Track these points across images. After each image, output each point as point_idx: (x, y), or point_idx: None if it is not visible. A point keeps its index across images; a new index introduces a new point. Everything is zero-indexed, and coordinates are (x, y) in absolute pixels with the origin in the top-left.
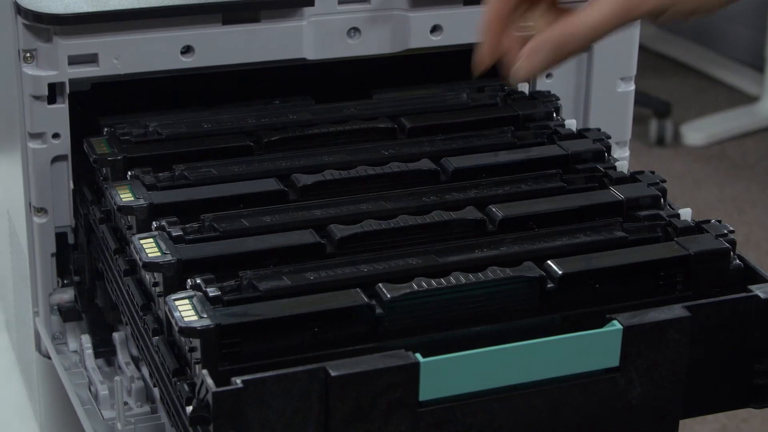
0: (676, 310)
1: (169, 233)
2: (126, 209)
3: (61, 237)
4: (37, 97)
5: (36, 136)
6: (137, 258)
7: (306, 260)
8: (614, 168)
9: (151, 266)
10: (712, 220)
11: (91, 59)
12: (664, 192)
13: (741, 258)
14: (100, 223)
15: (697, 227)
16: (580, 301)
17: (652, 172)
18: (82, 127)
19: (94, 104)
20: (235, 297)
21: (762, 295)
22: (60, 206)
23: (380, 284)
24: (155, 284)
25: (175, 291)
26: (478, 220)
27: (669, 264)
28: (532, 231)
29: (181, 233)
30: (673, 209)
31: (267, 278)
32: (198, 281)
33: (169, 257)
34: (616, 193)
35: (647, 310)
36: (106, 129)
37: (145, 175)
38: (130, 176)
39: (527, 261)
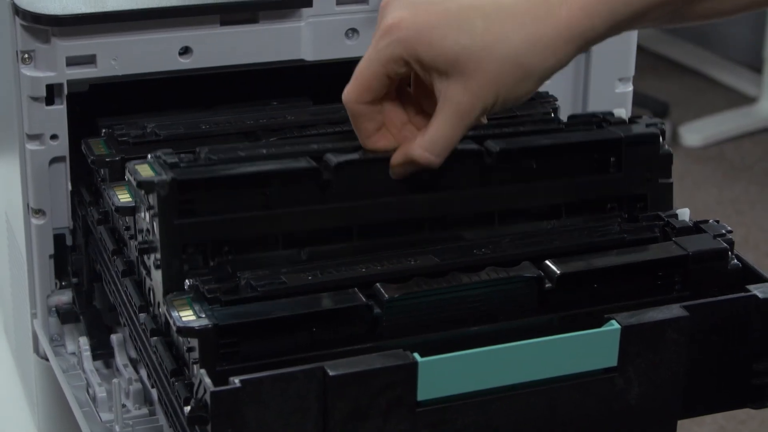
0: (674, 310)
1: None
2: (124, 210)
3: (59, 238)
4: (35, 99)
5: (34, 137)
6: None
7: (303, 185)
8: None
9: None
10: (710, 221)
11: (89, 60)
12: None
13: (739, 258)
14: (98, 224)
15: (695, 227)
16: (578, 301)
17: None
18: (80, 128)
19: (92, 105)
20: (233, 297)
21: (760, 295)
22: (58, 208)
23: (378, 284)
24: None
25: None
26: (476, 150)
27: (667, 264)
28: (530, 233)
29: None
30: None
31: (265, 278)
32: (196, 282)
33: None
34: (616, 131)
35: (645, 310)
36: (104, 130)
37: None
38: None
39: (525, 261)
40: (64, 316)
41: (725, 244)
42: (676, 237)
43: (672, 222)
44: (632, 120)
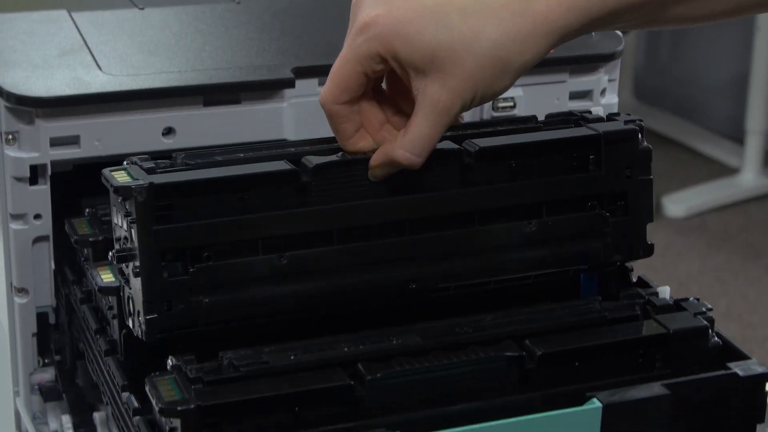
0: (655, 388)
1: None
2: (107, 290)
3: (42, 317)
4: (18, 179)
5: (18, 217)
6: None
7: (281, 188)
8: (590, 113)
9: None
10: (691, 298)
11: (73, 141)
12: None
13: (719, 335)
14: (81, 303)
15: (676, 305)
16: (559, 380)
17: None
18: (63, 207)
19: (75, 185)
20: (215, 377)
21: (741, 373)
22: (41, 286)
23: (361, 364)
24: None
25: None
26: (455, 150)
27: (648, 342)
28: (511, 310)
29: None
30: (651, 286)
31: (247, 358)
32: (178, 362)
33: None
34: (593, 129)
35: (627, 388)
36: (87, 210)
37: None
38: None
39: (507, 340)
40: (47, 393)
41: (705, 322)
42: (656, 315)
43: (652, 300)
44: (610, 117)
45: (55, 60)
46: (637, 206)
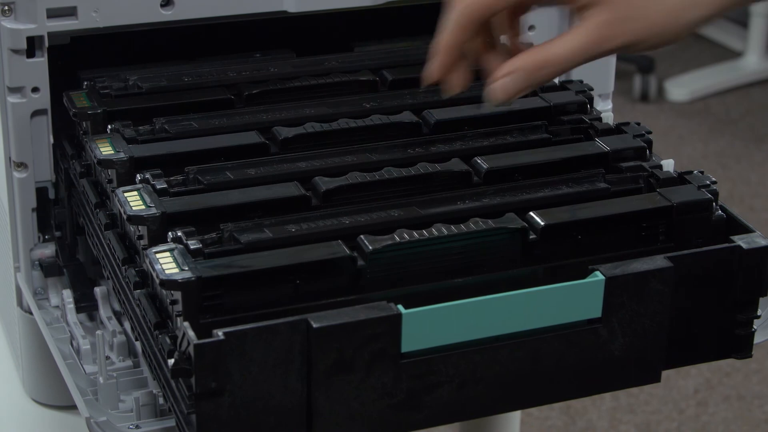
0: (658, 261)
1: (153, 186)
2: (106, 163)
3: (41, 192)
4: (15, 51)
5: (15, 90)
6: (121, 211)
7: (291, 213)
8: (599, 119)
9: (136, 219)
10: (695, 171)
11: (70, 12)
12: (649, 143)
13: (723, 209)
14: (80, 177)
15: (680, 178)
16: (562, 253)
17: (638, 124)
18: (61, 81)
19: (73, 58)
20: (216, 249)
21: (745, 246)
22: (40, 161)
23: (362, 236)
24: (140, 237)
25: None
26: (464, 171)
27: (651, 215)
28: (515, 182)
29: (165, 186)
30: (656, 160)
31: (248, 230)
32: (179, 234)
33: (153, 210)
34: (602, 144)
35: (629, 261)
36: (85, 83)
37: (126, 129)
38: (111, 130)
39: (509, 212)
40: (48, 269)
41: (709, 195)
42: (660, 188)
43: (656, 173)
44: (619, 128)
45: None
46: None
